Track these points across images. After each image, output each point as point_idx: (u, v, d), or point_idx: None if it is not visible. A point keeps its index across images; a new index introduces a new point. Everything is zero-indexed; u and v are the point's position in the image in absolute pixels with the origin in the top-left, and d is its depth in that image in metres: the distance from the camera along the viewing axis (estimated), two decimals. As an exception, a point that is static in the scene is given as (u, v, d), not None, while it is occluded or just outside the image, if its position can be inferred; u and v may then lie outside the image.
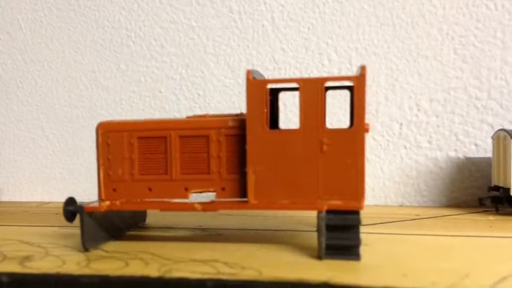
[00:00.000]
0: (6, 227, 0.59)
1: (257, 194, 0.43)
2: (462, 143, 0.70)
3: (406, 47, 0.71)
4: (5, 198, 0.85)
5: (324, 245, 0.40)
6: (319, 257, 0.40)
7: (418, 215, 0.63)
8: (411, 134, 0.72)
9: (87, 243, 0.44)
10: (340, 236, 0.40)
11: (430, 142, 0.71)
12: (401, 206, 0.72)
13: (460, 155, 0.70)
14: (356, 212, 0.40)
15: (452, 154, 0.71)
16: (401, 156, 0.72)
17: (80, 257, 0.43)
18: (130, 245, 0.47)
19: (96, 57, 0.80)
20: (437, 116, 0.71)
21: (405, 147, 0.72)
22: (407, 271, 0.37)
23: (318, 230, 0.41)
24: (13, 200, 0.85)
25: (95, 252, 0.44)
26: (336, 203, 0.41)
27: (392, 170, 0.72)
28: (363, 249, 0.41)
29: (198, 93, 0.77)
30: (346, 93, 0.67)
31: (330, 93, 0.45)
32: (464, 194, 0.70)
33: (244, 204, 0.44)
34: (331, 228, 0.41)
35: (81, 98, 0.81)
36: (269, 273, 0.36)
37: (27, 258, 0.43)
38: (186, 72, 0.76)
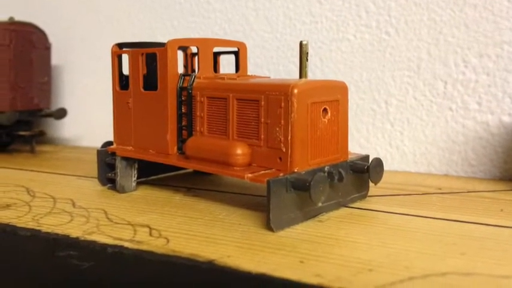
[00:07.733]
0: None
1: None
2: (518, 105, 0.60)
3: (452, -6, 0.62)
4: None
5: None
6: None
7: (440, 189, 0.56)
8: (457, 94, 0.63)
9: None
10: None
11: (479, 104, 0.62)
12: (446, 175, 0.65)
13: (516, 120, 0.60)
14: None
15: (505, 119, 0.61)
16: (447, 119, 0.64)
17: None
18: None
19: (154, 15, 0.83)
20: (488, 74, 0.61)
21: (451, 109, 0.64)
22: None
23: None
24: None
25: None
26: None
27: (436, 134, 0.65)
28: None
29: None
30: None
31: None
32: (521, 165, 0.61)
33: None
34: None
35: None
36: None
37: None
38: (228, 27, 0.76)
